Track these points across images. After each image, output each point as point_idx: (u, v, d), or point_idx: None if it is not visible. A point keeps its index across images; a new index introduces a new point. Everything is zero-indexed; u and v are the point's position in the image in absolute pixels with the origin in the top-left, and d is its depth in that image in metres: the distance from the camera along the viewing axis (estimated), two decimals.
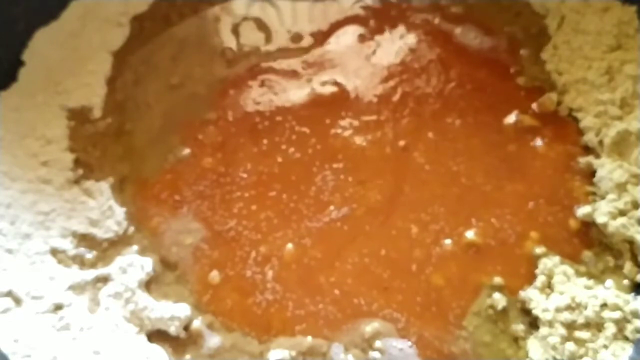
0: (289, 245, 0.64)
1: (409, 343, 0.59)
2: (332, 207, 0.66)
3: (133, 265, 0.62)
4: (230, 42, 0.75)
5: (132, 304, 0.60)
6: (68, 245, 0.63)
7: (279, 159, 0.68)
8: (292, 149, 0.69)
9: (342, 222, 0.65)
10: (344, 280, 0.62)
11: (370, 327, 0.60)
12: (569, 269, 0.60)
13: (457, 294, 0.61)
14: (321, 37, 0.76)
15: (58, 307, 0.59)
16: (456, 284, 0.61)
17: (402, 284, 0.62)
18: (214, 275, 0.63)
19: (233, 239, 0.65)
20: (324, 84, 0.72)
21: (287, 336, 0.60)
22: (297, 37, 0.76)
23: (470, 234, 0.63)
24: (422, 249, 0.63)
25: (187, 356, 0.59)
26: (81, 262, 0.63)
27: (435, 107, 0.71)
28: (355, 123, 0.70)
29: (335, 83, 0.72)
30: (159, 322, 0.60)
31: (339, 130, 0.70)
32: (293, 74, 0.73)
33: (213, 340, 0.60)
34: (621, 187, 0.62)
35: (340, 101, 0.71)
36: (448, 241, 0.63)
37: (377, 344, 0.59)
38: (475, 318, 0.60)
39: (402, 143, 0.69)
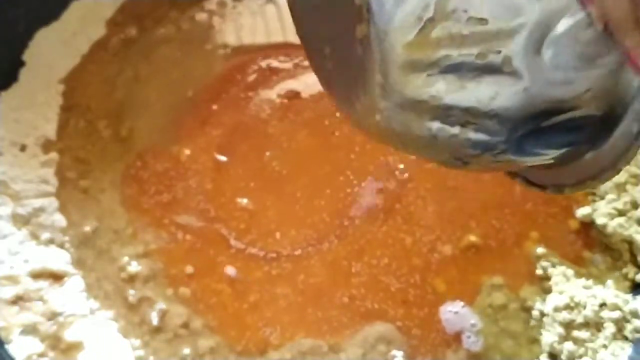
0: None
1: (412, 344, 0.59)
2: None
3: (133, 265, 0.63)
4: (231, 40, 0.75)
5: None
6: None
7: (282, 158, 0.68)
8: (294, 148, 0.69)
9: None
10: (347, 285, 0.62)
11: (373, 330, 0.60)
12: (568, 270, 0.60)
13: (458, 296, 0.61)
14: None
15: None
16: (457, 286, 0.61)
17: (405, 288, 0.62)
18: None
19: None
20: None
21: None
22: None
23: (470, 235, 0.63)
24: (422, 252, 0.63)
25: (185, 355, 0.59)
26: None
27: None
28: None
29: None
30: (159, 321, 0.60)
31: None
32: (295, 71, 0.73)
33: (211, 340, 0.60)
34: (620, 188, 0.62)
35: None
36: (448, 243, 0.63)
37: (380, 346, 0.59)
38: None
39: None
